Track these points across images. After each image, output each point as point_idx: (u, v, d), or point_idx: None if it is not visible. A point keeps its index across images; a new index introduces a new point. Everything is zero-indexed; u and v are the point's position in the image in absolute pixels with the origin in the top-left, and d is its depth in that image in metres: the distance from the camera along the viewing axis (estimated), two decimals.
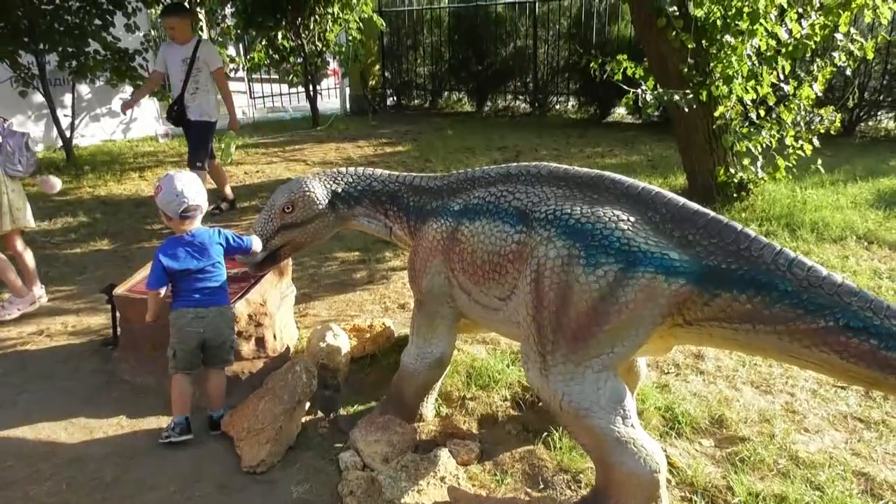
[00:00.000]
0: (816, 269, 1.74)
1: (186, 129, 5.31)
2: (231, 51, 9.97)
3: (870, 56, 4.84)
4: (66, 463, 2.41)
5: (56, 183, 3.72)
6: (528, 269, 2.01)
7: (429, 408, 2.64)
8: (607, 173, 2.11)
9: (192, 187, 2.47)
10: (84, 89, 8.74)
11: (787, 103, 4.98)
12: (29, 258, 3.76)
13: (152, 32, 9.52)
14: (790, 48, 4.72)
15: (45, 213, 5.64)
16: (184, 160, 7.90)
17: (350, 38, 10.18)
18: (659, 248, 1.87)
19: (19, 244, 3.72)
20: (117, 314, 3.18)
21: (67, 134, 7.74)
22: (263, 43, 9.71)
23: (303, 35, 9.56)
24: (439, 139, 8.98)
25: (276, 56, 9.77)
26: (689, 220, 1.90)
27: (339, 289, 4.07)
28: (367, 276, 4.26)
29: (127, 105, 5.45)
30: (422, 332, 2.48)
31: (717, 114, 4.89)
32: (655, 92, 4.71)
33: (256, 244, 2.62)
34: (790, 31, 4.67)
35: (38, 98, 7.73)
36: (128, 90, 8.65)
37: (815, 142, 4.99)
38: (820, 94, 5.00)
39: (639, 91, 4.71)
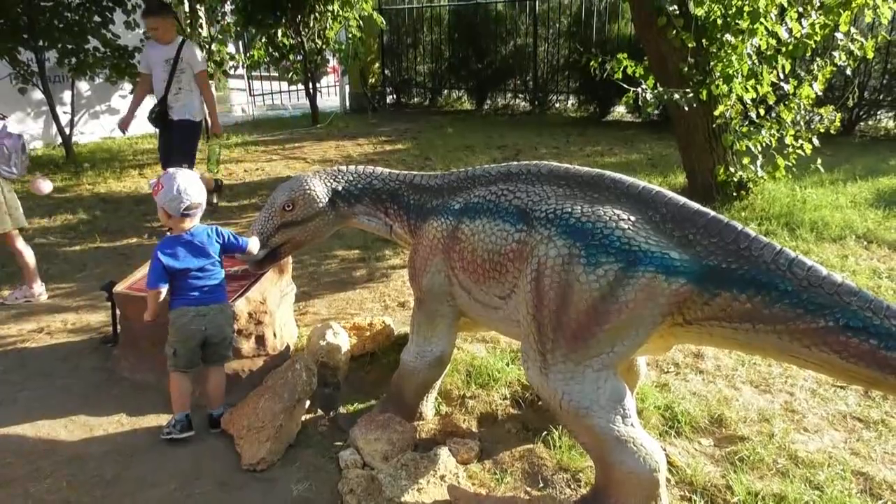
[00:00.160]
0: (816, 268, 1.74)
1: (167, 131, 5.12)
2: (231, 48, 9.95)
3: (870, 55, 4.85)
4: (66, 460, 2.41)
5: (47, 185, 3.70)
6: (529, 267, 2.01)
7: (429, 406, 2.64)
8: (607, 172, 2.11)
9: (193, 185, 2.47)
10: (83, 86, 8.73)
11: (787, 102, 4.98)
12: (29, 256, 3.77)
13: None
14: (790, 47, 4.72)
15: (45, 211, 5.64)
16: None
17: (350, 35, 10.17)
18: (659, 247, 1.87)
19: (19, 242, 3.73)
20: (117, 312, 3.18)
21: (67, 131, 7.73)
22: (263, 40, 9.70)
23: (303, 33, 9.55)
24: (439, 137, 8.98)
25: (276, 54, 9.76)
26: (689, 220, 1.91)
27: (339, 287, 4.07)
28: (367, 275, 4.27)
29: (125, 123, 5.19)
30: (422, 330, 2.48)
31: (717, 113, 4.89)
32: (655, 91, 4.71)
33: (253, 245, 2.61)
34: (790, 31, 4.67)
35: (38, 95, 7.72)
36: (127, 87, 8.65)
37: (815, 141, 5.00)
38: (820, 94, 5.00)
39: (639, 90, 4.71)
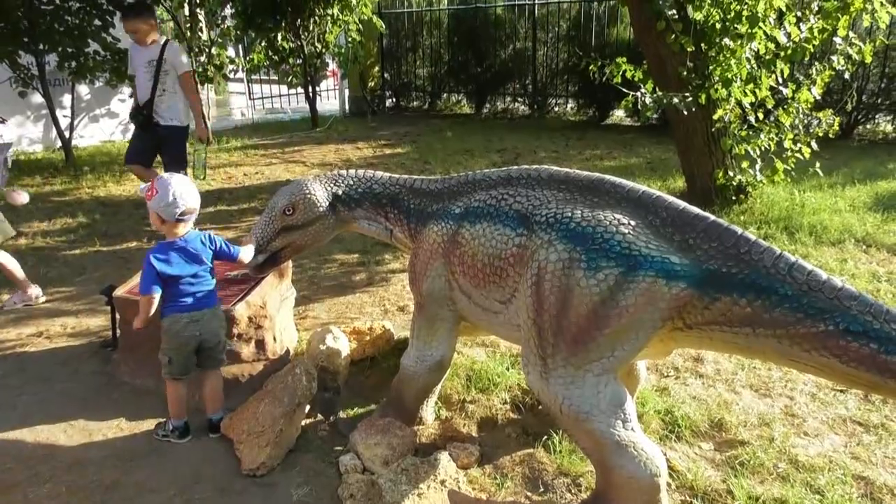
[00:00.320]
0: (816, 272, 1.74)
1: (147, 133, 5.00)
2: (230, 52, 9.96)
3: (868, 60, 4.86)
4: (66, 466, 2.41)
5: (23, 196, 3.66)
6: (529, 272, 2.01)
7: (429, 411, 2.64)
8: (607, 177, 2.11)
9: (188, 190, 2.44)
10: (83, 90, 8.74)
11: (785, 106, 4.99)
12: (12, 265, 3.73)
13: None
14: (789, 52, 4.73)
15: (45, 214, 5.64)
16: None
17: (349, 39, 10.19)
18: (659, 251, 1.88)
19: (2, 255, 3.71)
20: (117, 316, 3.18)
21: (67, 134, 7.74)
22: (263, 44, 9.71)
23: (302, 36, 9.57)
24: (438, 141, 8.99)
25: (276, 57, 9.77)
26: (689, 224, 1.91)
27: (339, 291, 4.07)
28: (367, 279, 4.27)
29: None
30: (422, 334, 2.48)
31: (715, 117, 4.90)
32: (654, 95, 4.73)
33: (244, 255, 2.59)
34: (789, 35, 4.69)
35: (38, 98, 7.73)
36: (126, 91, 8.67)
37: (814, 145, 5.01)
38: (818, 98, 5.01)
39: (638, 94, 4.72)
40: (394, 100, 12.97)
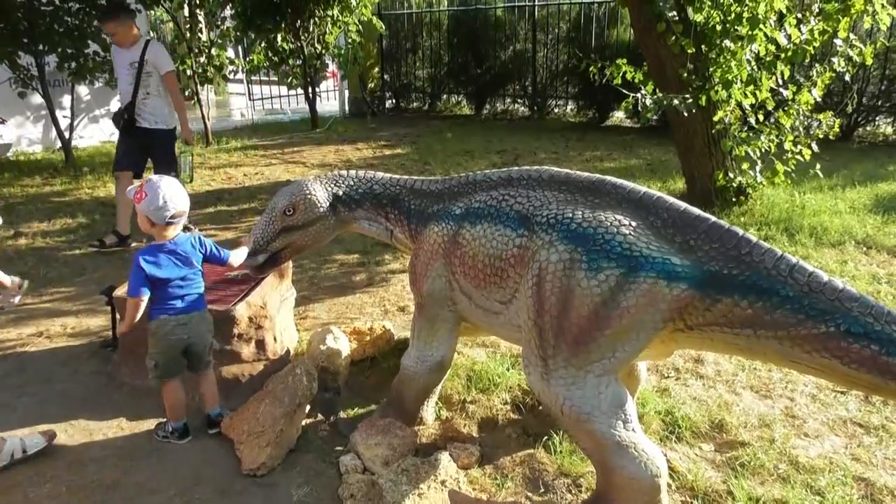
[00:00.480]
0: (817, 274, 1.75)
1: (132, 137, 4.83)
2: (230, 53, 9.97)
3: (868, 61, 4.86)
4: (66, 465, 2.41)
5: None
6: (530, 273, 2.02)
7: (429, 411, 2.64)
8: (608, 178, 2.11)
9: (178, 193, 2.42)
10: (83, 90, 8.74)
11: (786, 108, 5.00)
12: None
13: (151, 34, 9.52)
14: (789, 53, 4.74)
15: (44, 215, 5.64)
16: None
17: (349, 40, 10.20)
18: (660, 252, 1.88)
19: None
20: (117, 316, 3.18)
21: (66, 135, 7.73)
22: (263, 45, 9.72)
23: (302, 37, 9.57)
24: (438, 142, 9.00)
25: (276, 58, 9.78)
26: (690, 226, 1.91)
27: (339, 291, 4.07)
28: (367, 279, 4.27)
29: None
30: (422, 335, 2.48)
31: (716, 118, 4.91)
32: (654, 96, 4.73)
33: (235, 258, 2.59)
34: (789, 37, 4.69)
35: (37, 99, 7.73)
36: None
37: (814, 146, 5.01)
38: (819, 100, 5.02)
39: (638, 95, 4.73)
40: (394, 101, 12.98)
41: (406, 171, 7.17)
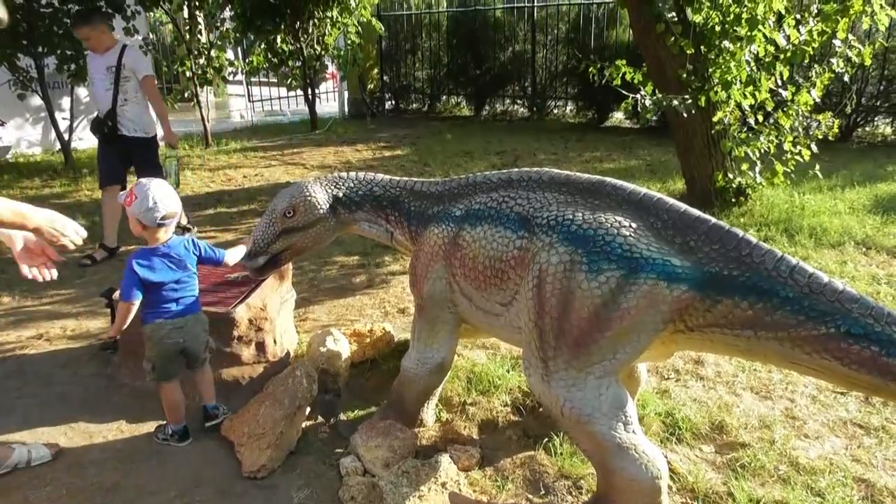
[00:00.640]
0: (818, 275, 1.75)
1: (112, 145, 4.69)
2: (230, 54, 9.97)
3: (867, 62, 4.87)
4: (66, 468, 2.41)
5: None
6: (530, 274, 2.02)
7: (429, 413, 2.64)
8: (608, 179, 2.11)
9: (168, 194, 2.41)
10: (82, 92, 8.72)
11: (785, 109, 5.00)
12: None
13: (151, 36, 9.53)
14: (788, 54, 4.74)
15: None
16: (185, 163, 7.90)
17: (349, 41, 10.21)
18: (661, 254, 1.88)
19: None
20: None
21: (66, 137, 7.73)
22: (262, 46, 9.73)
23: (301, 39, 9.58)
24: (438, 143, 9.00)
25: (275, 60, 9.79)
26: (690, 227, 1.91)
27: (339, 293, 4.07)
28: (367, 281, 4.26)
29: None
30: (423, 337, 2.48)
31: (715, 119, 4.91)
32: (654, 97, 4.73)
33: (231, 256, 2.59)
34: (788, 38, 4.70)
35: (37, 101, 7.73)
36: None
37: (813, 147, 5.01)
38: (818, 100, 5.02)
39: (637, 96, 4.73)
40: (393, 102, 12.99)
41: (406, 172, 7.17)
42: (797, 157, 5.05)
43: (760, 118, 5.05)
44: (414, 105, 12.90)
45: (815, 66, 5.10)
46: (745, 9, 4.57)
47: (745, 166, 5.15)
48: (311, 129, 10.25)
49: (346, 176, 2.67)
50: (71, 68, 7.21)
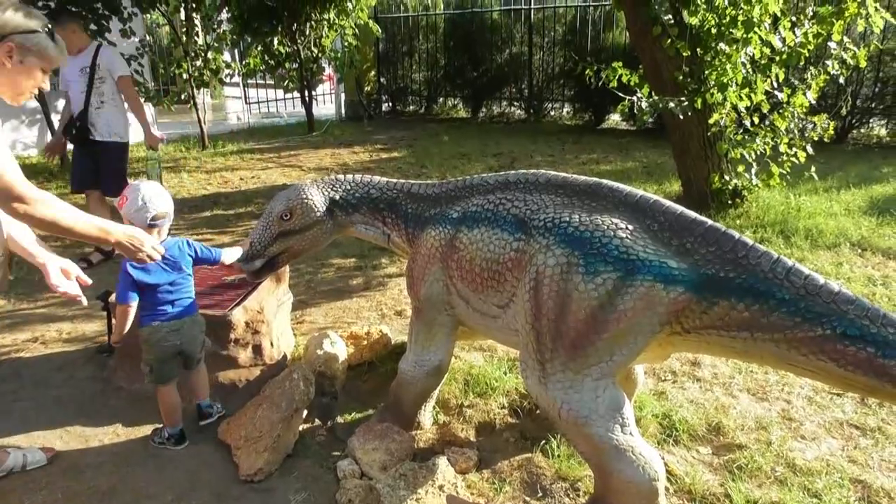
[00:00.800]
0: (814, 277, 1.75)
1: (86, 149, 4.56)
2: (227, 56, 9.97)
3: (862, 64, 4.88)
4: (62, 472, 2.40)
5: None
6: (527, 276, 2.02)
7: (427, 415, 2.63)
8: (605, 181, 2.11)
9: (159, 194, 2.40)
10: None
11: (780, 111, 5.02)
12: None
13: (147, 38, 9.51)
14: (784, 56, 4.76)
15: None
16: (182, 165, 7.90)
17: (346, 44, 10.21)
18: (657, 256, 1.88)
19: None
20: (113, 321, 3.16)
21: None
22: (259, 49, 9.73)
23: (298, 41, 9.58)
24: (435, 145, 9.00)
25: (272, 62, 9.80)
26: (687, 229, 1.91)
27: (336, 296, 4.07)
28: (364, 283, 4.26)
29: (55, 149, 4.84)
30: (420, 339, 2.48)
31: (711, 121, 4.92)
32: (650, 99, 4.74)
33: (227, 256, 2.59)
34: (784, 40, 4.72)
35: (33, 103, 7.72)
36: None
37: (809, 149, 5.03)
38: (813, 102, 5.04)
39: (634, 98, 4.74)
40: (390, 104, 13.00)
41: (402, 174, 7.18)
42: (793, 159, 5.07)
43: (756, 120, 5.06)
44: (411, 107, 12.91)
45: (811, 68, 5.12)
46: (741, 11, 4.59)
47: (741, 168, 5.16)
48: (308, 131, 10.24)
49: (343, 178, 2.67)
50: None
